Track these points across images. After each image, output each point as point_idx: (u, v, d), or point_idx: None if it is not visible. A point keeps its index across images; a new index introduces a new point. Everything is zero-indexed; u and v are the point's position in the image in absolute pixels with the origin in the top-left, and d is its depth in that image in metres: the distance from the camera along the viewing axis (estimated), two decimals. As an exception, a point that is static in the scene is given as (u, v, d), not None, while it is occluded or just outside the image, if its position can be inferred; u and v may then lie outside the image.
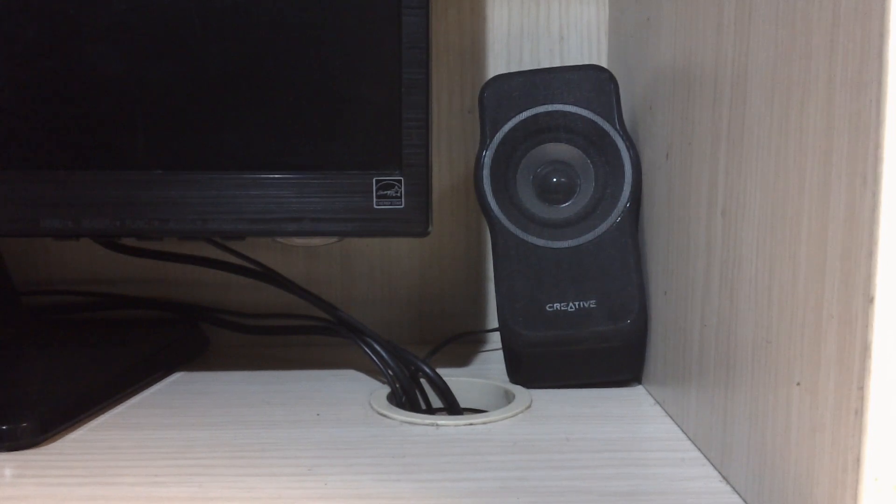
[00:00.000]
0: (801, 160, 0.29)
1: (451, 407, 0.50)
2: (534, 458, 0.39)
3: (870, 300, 0.24)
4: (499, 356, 0.55)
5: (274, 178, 0.48)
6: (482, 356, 0.60)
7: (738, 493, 0.35)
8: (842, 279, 0.26)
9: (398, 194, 0.48)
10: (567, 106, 0.51)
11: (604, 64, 0.62)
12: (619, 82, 0.52)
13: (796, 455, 0.29)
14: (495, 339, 0.62)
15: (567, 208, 0.51)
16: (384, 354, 0.50)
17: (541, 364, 0.50)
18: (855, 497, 0.25)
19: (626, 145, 0.50)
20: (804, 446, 0.29)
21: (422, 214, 0.48)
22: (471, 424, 0.44)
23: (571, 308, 0.49)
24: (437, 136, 0.63)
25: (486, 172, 0.51)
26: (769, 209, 0.32)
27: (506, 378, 0.52)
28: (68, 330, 0.59)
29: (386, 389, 0.50)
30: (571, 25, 0.63)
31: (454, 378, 0.51)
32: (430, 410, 0.50)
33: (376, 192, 0.48)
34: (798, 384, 0.29)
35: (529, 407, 0.47)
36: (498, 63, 0.63)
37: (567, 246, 0.50)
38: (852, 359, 0.25)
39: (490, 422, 0.44)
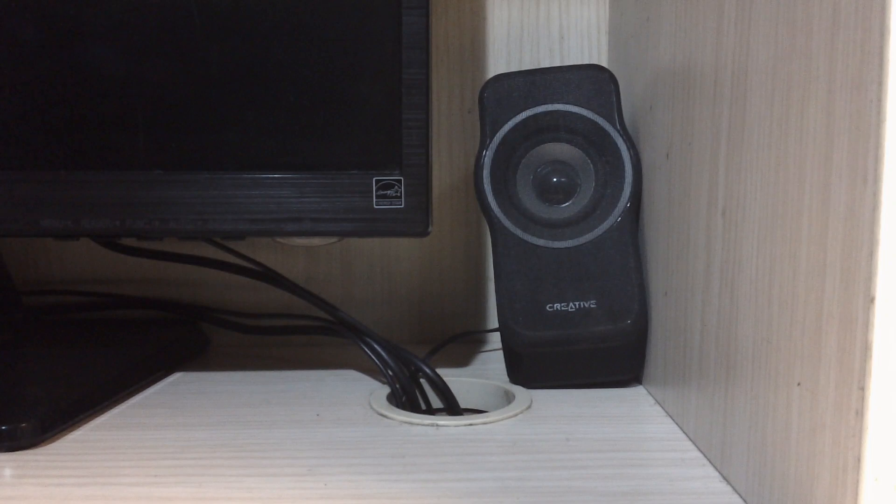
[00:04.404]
0: (801, 160, 0.29)
1: (451, 407, 0.50)
2: (534, 458, 0.39)
3: (870, 300, 0.24)
4: (499, 356, 0.55)
5: (274, 178, 0.48)
6: (482, 356, 0.59)
7: (738, 493, 0.35)
8: (842, 279, 0.26)
9: (398, 194, 0.47)
10: (567, 106, 0.51)
11: (604, 64, 0.62)
12: (619, 82, 0.52)
13: (796, 455, 0.29)
14: (495, 339, 0.62)
15: (567, 208, 0.51)
16: (384, 354, 0.50)
17: (541, 364, 0.50)
18: (855, 497, 0.25)
19: (627, 145, 0.50)
20: (804, 446, 0.29)
21: (422, 214, 0.48)
22: (471, 424, 0.44)
23: (571, 308, 0.49)
24: (437, 136, 0.63)
25: (486, 172, 0.51)
26: (769, 209, 0.32)
27: (506, 378, 0.52)
28: (68, 330, 0.59)
29: (386, 389, 0.50)
30: (571, 25, 0.63)
31: (454, 378, 0.51)
32: (430, 410, 0.50)
33: (376, 192, 0.48)
34: (798, 384, 0.29)
35: (529, 407, 0.47)
36: (498, 63, 0.63)
37: (567, 246, 0.50)
38: (853, 359, 0.25)
39: (490, 422, 0.44)
